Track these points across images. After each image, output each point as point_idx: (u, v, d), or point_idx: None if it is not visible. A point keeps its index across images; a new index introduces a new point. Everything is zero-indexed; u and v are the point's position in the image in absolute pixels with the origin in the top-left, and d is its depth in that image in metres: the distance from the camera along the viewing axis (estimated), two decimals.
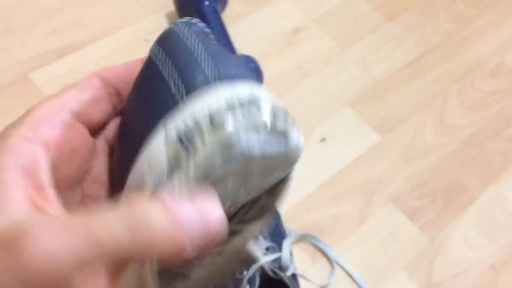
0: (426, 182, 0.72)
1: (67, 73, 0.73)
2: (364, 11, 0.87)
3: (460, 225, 0.69)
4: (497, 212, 0.71)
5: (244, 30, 0.82)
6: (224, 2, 0.79)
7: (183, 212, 0.22)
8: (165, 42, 0.27)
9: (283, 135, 0.25)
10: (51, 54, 0.74)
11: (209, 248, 0.23)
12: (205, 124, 0.23)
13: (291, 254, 0.59)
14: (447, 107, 0.79)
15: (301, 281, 0.61)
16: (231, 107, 0.24)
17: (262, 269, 0.55)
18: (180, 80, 0.25)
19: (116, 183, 0.28)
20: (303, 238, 0.65)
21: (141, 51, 0.80)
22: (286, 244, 0.58)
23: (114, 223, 0.21)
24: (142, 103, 0.27)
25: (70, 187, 0.28)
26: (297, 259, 0.64)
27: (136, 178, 0.25)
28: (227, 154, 0.23)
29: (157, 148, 0.24)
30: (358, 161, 0.72)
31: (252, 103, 0.24)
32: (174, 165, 0.23)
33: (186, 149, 0.23)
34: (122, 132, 0.28)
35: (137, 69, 0.29)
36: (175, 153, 0.23)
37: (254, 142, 0.24)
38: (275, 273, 0.55)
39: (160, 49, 0.27)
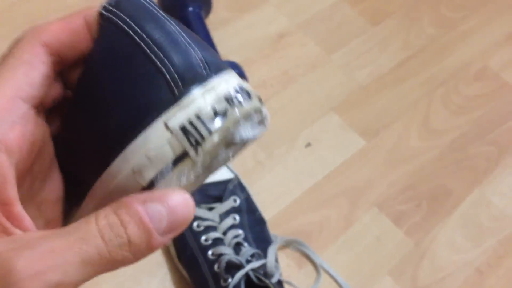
0: (411, 186, 0.72)
1: None
2: (348, 16, 0.88)
3: (445, 229, 0.70)
4: (482, 216, 0.72)
5: (229, 36, 0.82)
6: (208, 8, 0.79)
7: (152, 215, 0.23)
8: (129, 9, 0.25)
9: (265, 118, 0.26)
10: None
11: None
12: (208, 115, 0.24)
13: (276, 260, 0.59)
14: (431, 111, 0.80)
15: None
16: (228, 98, 0.24)
17: (247, 276, 0.55)
18: (169, 63, 0.24)
19: (70, 167, 0.27)
20: (289, 244, 0.65)
21: None
22: (272, 250, 0.58)
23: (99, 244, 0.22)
24: (114, 81, 0.25)
25: (36, 188, 0.26)
26: (283, 265, 0.64)
27: (121, 171, 0.24)
28: (230, 142, 0.24)
29: (157, 140, 0.24)
30: (343, 166, 0.73)
31: (243, 91, 0.25)
32: (180, 157, 0.24)
33: (193, 139, 0.23)
34: (79, 111, 0.26)
35: (81, 29, 0.26)
36: (180, 145, 0.23)
37: (249, 129, 0.25)
38: (260, 280, 0.55)
39: (125, 17, 0.25)
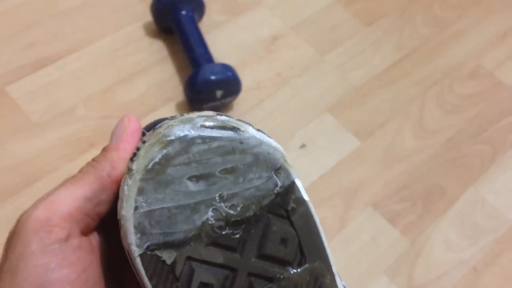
0: (405, 185, 0.72)
1: (43, 86, 0.73)
2: (342, 17, 0.88)
3: (440, 228, 0.70)
4: (477, 214, 0.72)
5: (222, 38, 0.82)
6: (201, 11, 0.79)
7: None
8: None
9: (231, 127, 0.28)
10: (28, 67, 0.74)
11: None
12: (147, 134, 0.28)
13: None
14: (425, 110, 0.80)
15: None
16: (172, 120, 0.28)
17: None
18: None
19: None
20: None
21: (119, 61, 0.79)
22: None
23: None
24: None
25: None
26: None
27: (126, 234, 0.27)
28: (164, 141, 0.26)
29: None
30: (338, 166, 0.73)
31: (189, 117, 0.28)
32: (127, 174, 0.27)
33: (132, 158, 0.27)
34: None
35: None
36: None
37: (188, 129, 0.26)
38: None
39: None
